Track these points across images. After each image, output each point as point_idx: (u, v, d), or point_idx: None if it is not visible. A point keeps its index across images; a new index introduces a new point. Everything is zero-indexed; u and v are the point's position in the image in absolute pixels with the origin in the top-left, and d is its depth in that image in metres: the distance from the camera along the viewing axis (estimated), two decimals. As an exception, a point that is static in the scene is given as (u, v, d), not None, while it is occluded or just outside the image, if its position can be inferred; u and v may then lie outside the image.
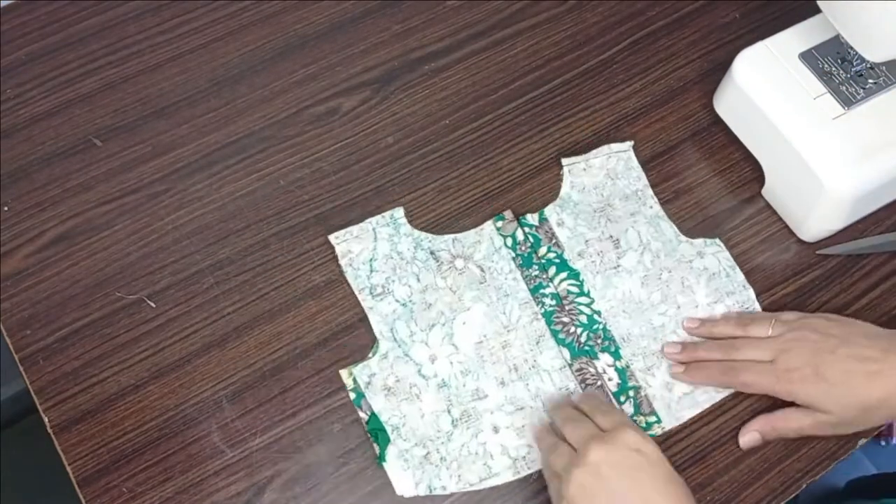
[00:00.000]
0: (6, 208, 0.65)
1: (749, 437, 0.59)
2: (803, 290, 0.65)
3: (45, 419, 0.58)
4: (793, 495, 0.59)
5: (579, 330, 0.62)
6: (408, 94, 0.71)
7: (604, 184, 0.67)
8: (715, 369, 0.59)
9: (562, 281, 0.63)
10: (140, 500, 0.56)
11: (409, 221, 0.65)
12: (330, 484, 0.58)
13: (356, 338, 0.62)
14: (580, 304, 0.63)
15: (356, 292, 0.62)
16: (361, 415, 0.59)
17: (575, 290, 0.63)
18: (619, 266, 0.64)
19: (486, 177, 0.68)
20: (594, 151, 0.68)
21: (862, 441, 0.61)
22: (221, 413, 0.59)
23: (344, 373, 0.60)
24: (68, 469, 0.57)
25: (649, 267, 0.64)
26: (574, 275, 0.64)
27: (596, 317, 0.63)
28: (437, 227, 0.66)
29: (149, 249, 0.64)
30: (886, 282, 0.66)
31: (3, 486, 0.98)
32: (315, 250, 0.65)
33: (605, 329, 0.62)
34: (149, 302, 0.62)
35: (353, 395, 0.60)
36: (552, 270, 0.64)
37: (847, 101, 0.63)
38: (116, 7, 0.73)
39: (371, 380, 0.60)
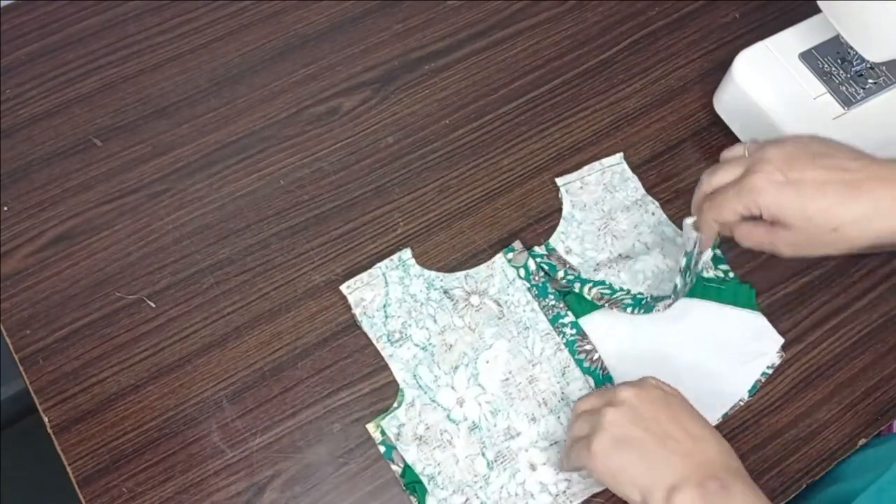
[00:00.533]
0: (6, 208, 0.65)
1: (738, 236, 0.54)
2: (803, 290, 0.65)
3: (45, 419, 0.58)
4: (793, 495, 0.59)
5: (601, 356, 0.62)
6: (408, 94, 0.71)
7: (603, 198, 0.67)
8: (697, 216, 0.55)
9: (591, 288, 0.63)
10: (140, 500, 0.56)
11: (409, 222, 0.66)
12: (330, 484, 0.58)
13: (356, 338, 0.62)
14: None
15: (374, 341, 0.61)
16: (394, 468, 0.58)
17: (607, 291, 0.63)
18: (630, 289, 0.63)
19: (486, 177, 0.68)
20: (587, 168, 0.68)
21: (862, 441, 0.61)
22: (221, 413, 0.59)
23: (371, 426, 0.59)
24: (68, 469, 0.57)
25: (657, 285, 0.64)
26: (599, 282, 0.63)
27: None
28: (437, 226, 0.66)
29: (149, 249, 0.64)
30: (886, 282, 0.66)
31: (3, 486, 0.98)
32: (315, 250, 0.65)
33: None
34: (149, 302, 0.62)
35: (382, 449, 0.58)
36: (577, 286, 0.63)
37: (847, 101, 0.63)
38: (116, 7, 0.73)
39: (400, 430, 0.59)
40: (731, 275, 0.64)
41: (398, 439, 0.58)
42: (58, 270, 0.63)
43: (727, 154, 0.56)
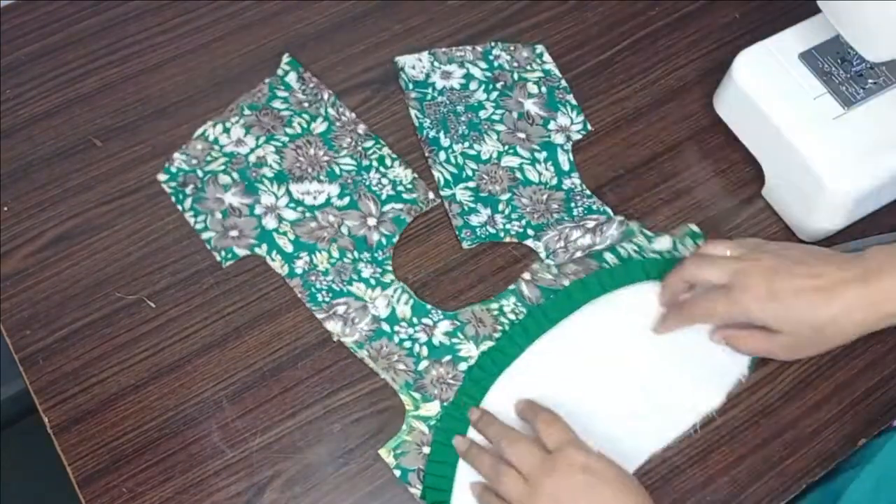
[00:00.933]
0: (6, 208, 0.65)
1: (715, 337, 0.59)
2: (803, 290, 0.65)
3: (45, 419, 0.58)
4: (793, 495, 0.59)
5: None
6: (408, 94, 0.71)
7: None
8: (678, 309, 0.59)
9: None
10: (140, 500, 0.56)
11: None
12: (330, 484, 0.58)
13: (356, 338, 0.62)
14: None
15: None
16: (413, 491, 0.57)
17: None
18: None
19: (486, 177, 0.68)
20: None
21: (862, 441, 0.61)
22: (221, 413, 0.59)
23: (383, 451, 0.58)
24: (68, 469, 0.57)
25: None
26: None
27: None
28: (437, 226, 0.66)
29: (149, 249, 0.64)
30: (886, 282, 0.66)
31: (3, 486, 0.98)
32: (315, 250, 0.65)
33: None
34: (149, 302, 0.62)
35: (398, 472, 0.57)
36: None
37: (847, 101, 0.63)
38: (116, 7, 0.73)
39: (410, 449, 0.58)
40: None
41: (407, 458, 0.58)
42: (58, 270, 0.63)
43: (712, 250, 0.59)
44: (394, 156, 0.66)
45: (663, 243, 0.65)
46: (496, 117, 0.70)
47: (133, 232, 0.65)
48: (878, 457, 0.56)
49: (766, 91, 0.64)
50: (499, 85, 0.71)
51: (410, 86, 0.71)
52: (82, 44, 0.72)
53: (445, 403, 0.59)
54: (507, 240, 0.65)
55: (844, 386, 0.62)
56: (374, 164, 0.66)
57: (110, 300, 0.62)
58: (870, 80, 0.64)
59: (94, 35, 0.72)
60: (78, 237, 0.64)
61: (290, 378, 0.60)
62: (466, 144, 0.68)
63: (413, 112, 0.69)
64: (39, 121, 0.68)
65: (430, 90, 0.71)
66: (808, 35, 0.66)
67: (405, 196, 0.65)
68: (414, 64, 0.71)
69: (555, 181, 0.67)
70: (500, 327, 0.61)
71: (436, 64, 0.71)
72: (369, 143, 0.67)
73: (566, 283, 0.63)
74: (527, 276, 0.63)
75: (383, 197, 0.65)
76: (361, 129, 0.67)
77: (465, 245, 0.65)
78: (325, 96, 0.68)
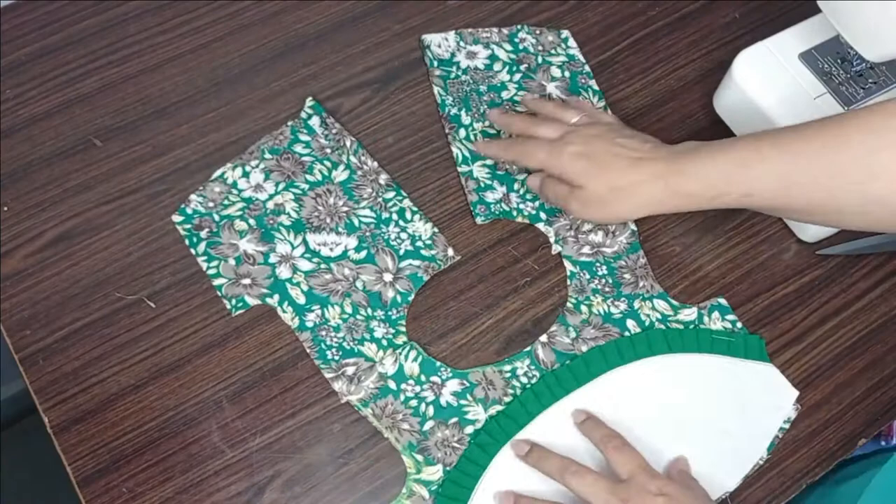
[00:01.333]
0: (6, 208, 0.65)
1: (529, 183, 0.64)
2: (803, 290, 0.65)
3: (45, 419, 0.58)
4: (793, 495, 0.59)
5: None
6: (408, 94, 0.71)
7: None
8: (504, 143, 0.65)
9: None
10: (140, 500, 0.56)
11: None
12: (330, 484, 0.58)
13: (356, 338, 0.62)
14: None
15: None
16: None
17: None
18: None
19: (486, 177, 0.68)
20: None
21: (862, 441, 0.61)
22: (221, 413, 0.59)
23: None
24: (68, 469, 0.57)
25: None
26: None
27: None
28: (437, 226, 0.66)
29: (149, 249, 0.64)
30: (886, 282, 0.66)
31: (3, 486, 0.98)
32: (315, 250, 0.65)
33: None
34: (149, 302, 0.62)
35: None
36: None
37: (847, 101, 0.63)
38: (116, 7, 0.73)
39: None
40: (740, 325, 0.63)
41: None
42: (58, 270, 0.63)
43: (561, 112, 0.65)
44: (414, 209, 0.65)
45: (688, 314, 0.63)
46: (518, 98, 0.70)
47: (133, 232, 0.65)
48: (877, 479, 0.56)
49: (766, 91, 0.64)
50: (522, 67, 0.72)
51: (435, 63, 0.71)
52: (82, 44, 0.72)
53: (448, 468, 0.58)
54: (520, 220, 0.65)
55: (844, 386, 0.62)
56: (394, 217, 0.65)
57: (110, 300, 0.62)
58: (870, 80, 0.64)
59: (94, 35, 0.72)
60: (78, 237, 0.64)
61: (290, 378, 0.60)
62: (487, 123, 0.69)
63: (436, 89, 0.70)
64: (39, 121, 0.68)
65: (454, 69, 0.71)
66: (808, 35, 0.66)
67: (423, 253, 0.64)
68: (440, 42, 0.72)
69: None
70: (511, 391, 0.60)
71: (461, 44, 0.72)
72: (390, 195, 0.66)
73: (584, 348, 0.61)
74: (544, 338, 0.62)
75: (401, 252, 0.64)
76: (383, 178, 0.66)
77: (478, 221, 0.65)
78: (348, 143, 0.67)
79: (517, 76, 0.71)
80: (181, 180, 0.66)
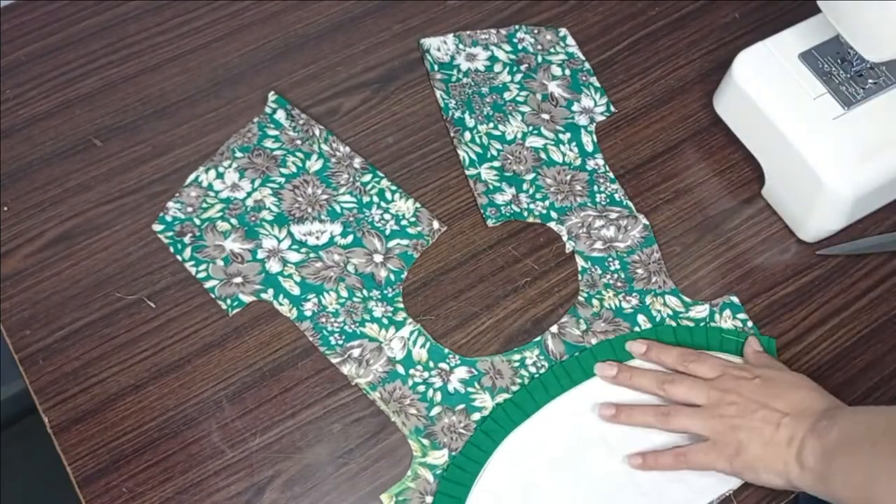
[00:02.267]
0: (6, 208, 0.65)
1: (661, 462, 0.58)
2: (803, 290, 0.65)
3: (45, 419, 0.58)
4: (792, 496, 0.59)
5: None
6: (408, 94, 0.71)
7: None
8: (650, 412, 0.58)
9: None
10: (140, 500, 0.56)
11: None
12: (330, 484, 0.58)
13: (356, 338, 0.62)
14: None
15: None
16: None
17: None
18: None
19: (486, 177, 0.68)
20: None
21: (862, 441, 0.61)
22: (221, 413, 0.59)
23: (385, 497, 0.57)
24: (68, 469, 0.57)
25: None
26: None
27: None
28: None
29: (149, 249, 0.64)
30: (886, 282, 0.66)
31: (3, 486, 0.98)
32: (315, 250, 0.65)
33: None
34: (149, 302, 0.62)
35: None
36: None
37: (847, 101, 0.63)
38: (116, 7, 0.73)
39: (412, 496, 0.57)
40: (750, 324, 0.63)
41: None
42: (58, 270, 0.63)
43: (694, 367, 0.58)
44: (393, 187, 0.66)
45: (700, 311, 0.63)
46: (520, 99, 0.70)
47: (133, 232, 0.65)
48: None
49: (766, 91, 0.64)
50: (523, 67, 0.72)
51: (436, 67, 0.71)
52: (82, 44, 0.72)
53: (454, 453, 0.58)
54: (531, 220, 0.65)
55: (844, 386, 0.62)
56: (375, 199, 0.65)
57: (110, 300, 0.62)
58: (870, 80, 0.64)
59: (94, 35, 0.72)
60: (78, 237, 0.64)
61: (290, 378, 0.60)
62: (491, 125, 0.69)
63: (438, 93, 0.70)
64: (39, 121, 0.68)
65: (455, 72, 0.71)
66: (808, 35, 0.66)
67: (409, 231, 0.65)
68: (439, 46, 0.72)
69: (578, 162, 0.68)
70: (518, 380, 0.60)
71: (461, 46, 0.72)
72: (367, 178, 0.66)
73: (594, 341, 0.62)
74: (554, 328, 0.62)
75: (387, 232, 0.64)
76: (357, 162, 0.66)
77: (489, 223, 0.65)
78: (317, 132, 0.67)
79: (518, 76, 0.71)
80: (181, 180, 0.66)
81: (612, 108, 0.71)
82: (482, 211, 0.66)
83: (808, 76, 0.64)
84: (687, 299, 0.64)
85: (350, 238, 0.64)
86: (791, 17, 0.69)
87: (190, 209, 0.65)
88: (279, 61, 0.72)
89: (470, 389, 0.60)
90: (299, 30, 0.73)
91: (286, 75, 0.71)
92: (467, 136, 0.68)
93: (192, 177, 0.66)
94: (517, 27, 0.73)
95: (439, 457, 0.58)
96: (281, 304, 0.62)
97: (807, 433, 0.52)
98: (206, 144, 0.68)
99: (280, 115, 0.68)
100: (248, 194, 0.65)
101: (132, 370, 0.60)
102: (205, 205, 0.65)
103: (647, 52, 0.74)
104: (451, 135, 0.68)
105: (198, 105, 0.70)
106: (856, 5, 0.57)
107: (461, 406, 0.59)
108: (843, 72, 0.64)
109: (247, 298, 0.62)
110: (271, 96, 0.69)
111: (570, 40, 0.73)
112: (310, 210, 0.65)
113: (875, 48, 0.58)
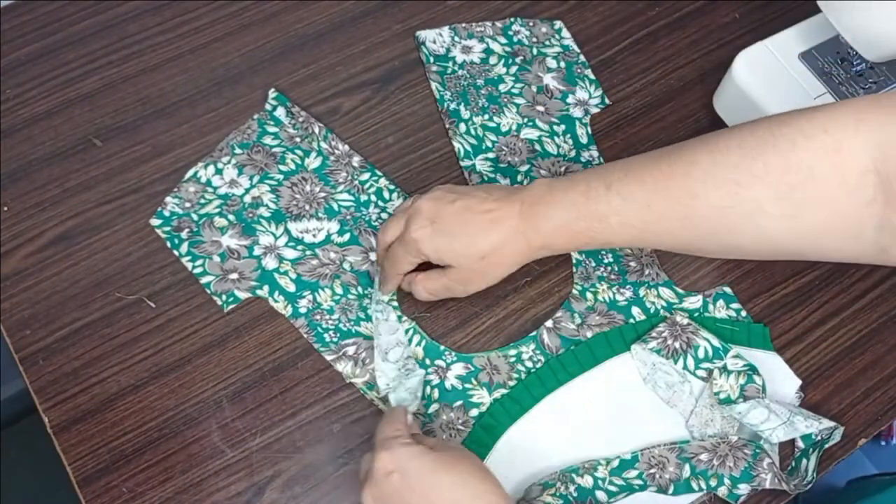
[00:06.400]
0: (6, 208, 0.65)
1: (416, 291, 0.60)
2: (803, 290, 0.65)
3: (45, 419, 0.58)
4: (792, 496, 0.59)
5: None
6: (408, 94, 0.71)
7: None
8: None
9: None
10: (140, 500, 0.56)
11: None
12: (330, 484, 0.58)
13: (356, 338, 0.62)
14: None
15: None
16: None
17: None
18: None
19: (486, 177, 0.68)
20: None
21: (862, 441, 0.61)
22: (221, 413, 0.59)
23: None
24: (68, 469, 0.57)
25: None
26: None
27: None
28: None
29: (149, 249, 0.64)
30: (886, 282, 0.66)
31: (3, 486, 0.98)
32: (315, 250, 0.65)
33: None
34: (149, 302, 0.62)
35: None
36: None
37: (847, 101, 0.63)
38: (116, 7, 0.73)
39: None
40: (744, 314, 0.63)
41: None
42: (58, 270, 0.63)
43: (396, 208, 0.61)
44: (391, 187, 0.66)
45: (693, 302, 0.63)
46: (515, 91, 0.71)
47: (133, 232, 0.65)
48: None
49: (766, 91, 0.64)
50: (518, 59, 0.72)
51: (431, 59, 0.71)
52: (82, 44, 0.72)
53: None
54: None
55: (844, 386, 0.62)
56: (373, 197, 0.65)
57: (110, 300, 0.62)
58: (870, 80, 0.64)
59: (94, 35, 0.72)
60: (78, 237, 0.64)
61: (290, 378, 0.60)
62: (486, 117, 0.69)
63: (434, 85, 0.70)
64: (39, 121, 0.68)
65: (450, 64, 0.71)
66: (808, 35, 0.66)
67: None
68: (434, 38, 0.72)
69: (573, 153, 0.68)
70: (515, 375, 0.60)
71: (456, 38, 0.72)
72: (365, 176, 0.66)
73: (589, 334, 0.62)
74: (549, 323, 0.62)
75: None
76: (356, 161, 0.66)
77: None
78: (317, 130, 0.67)
79: (513, 69, 0.72)
80: (181, 180, 0.66)
81: (607, 101, 0.71)
82: None
83: (808, 76, 0.64)
84: (680, 290, 0.64)
85: (347, 236, 0.64)
86: (791, 17, 0.69)
87: (188, 204, 0.65)
88: (279, 61, 0.72)
89: (467, 386, 0.60)
90: (299, 30, 0.73)
91: (286, 75, 0.71)
92: (462, 127, 0.69)
93: (190, 172, 0.66)
94: (512, 20, 0.74)
95: None
96: (276, 301, 0.62)
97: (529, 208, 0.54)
98: (206, 144, 0.68)
99: (280, 113, 0.68)
100: (246, 191, 0.65)
101: (132, 370, 0.60)
102: (202, 200, 0.65)
103: (647, 52, 0.74)
104: (447, 126, 0.69)
105: (198, 105, 0.70)
106: (856, 5, 0.57)
107: (459, 402, 0.59)
108: (843, 72, 0.64)
109: (242, 294, 0.62)
110: (272, 93, 0.69)
111: (566, 33, 0.73)
112: (307, 207, 0.65)
113: (875, 48, 0.58)
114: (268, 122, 0.68)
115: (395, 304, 0.62)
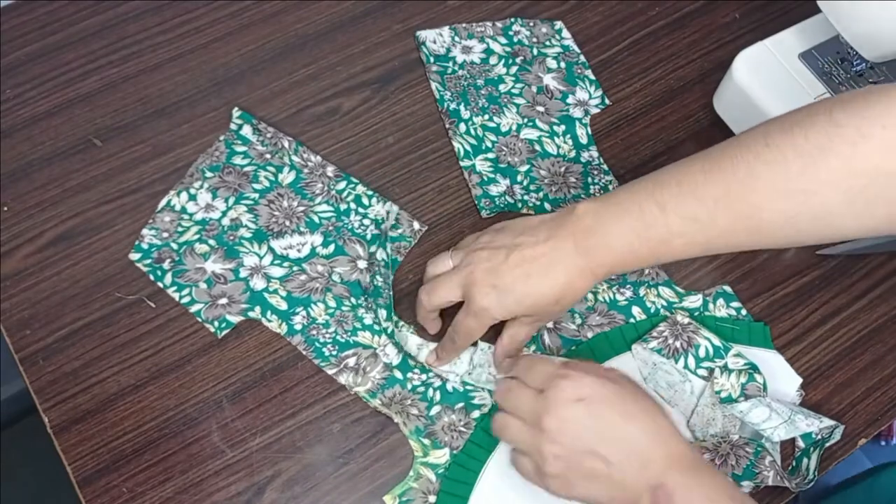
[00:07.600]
0: (6, 208, 0.65)
1: (505, 365, 0.59)
2: (803, 290, 0.65)
3: (45, 419, 0.58)
4: (792, 496, 0.59)
5: None
6: (408, 94, 0.71)
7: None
8: (444, 342, 0.59)
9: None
10: (140, 500, 0.56)
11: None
12: (330, 484, 0.58)
13: (356, 338, 0.62)
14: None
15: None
16: None
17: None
18: None
19: (486, 177, 0.68)
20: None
21: (862, 441, 0.61)
22: (221, 413, 0.59)
23: (388, 498, 0.57)
24: (68, 469, 0.57)
25: None
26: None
27: None
28: (437, 226, 0.66)
29: (149, 249, 0.64)
30: (886, 282, 0.66)
31: (3, 486, 0.98)
32: (315, 250, 0.65)
33: None
34: (149, 302, 0.62)
35: None
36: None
37: (847, 101, 0.63)
38: (116, 7, 0.73)
39: (416, 496, 0.57)
40: (744, 312, 0.63)
41: None
42: (58, 270, 0.63)
43: (435, 270, 0.59)
44: (370, 192, 0.65)
45: (693, 301, 0.63)
46: (515, 91, 0.71)
47: (133, 232, 0.65)
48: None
49: (766, 91, 0.64)
50: (518, 59, 0.72)
51: (431, 59, 0.71)
52: (82, 44, 0.72)
53: (455, 452, 0.58)
54: (525, 211, 0.65)
55: (844, 386, 0.62)
56: (352, 205, 0.65)
57: (110, 300, 0.62)
58: (870, 80, 0.64)
59: (94, 35, 0.72)
60: (78, 237, 0.64)
61: (290, 378, 0.60)
62: (486, 117, 0.69)
63: (434, 85, 0.70)
64: (39, 121, 0.68)
65: (450, 64, 0.72)
66: (808, 35, 0.66)
67: (391, 234, 0.64)
68: (435, 38, 0.72)
69: (573, 154, 0.68)
70: None
71: (456, 38, 0.72)
72: (342, 185, 0.65)
73: (590, 335, 0.62)
74: (550, 323, 0.62)
75: (368, 237, 0.64)
76: (330, 170, 0.66)
77: (483, 214, 0.66)
78: (286, 144, 0.66)
79: (513, 69, 0.72)
80: (181, 180, 0.66)
81: (607, 101, 0.71)
82: (476, 202, 0.66)
83: (808, 76, 0.64)
84: (680, 290, 0.64)
85: (332, 248, 0.63)
86: (791, 17, 0.69)
87: (165, 234, 0.64)
88: (279, 61, 0.72)
89: (468, 387, 0.60)
90: (299, 30, 0.73)
91: (286, 75, 0.71)
92: (462, 127, 0.69)
93: (163, 202, 0.65)
94: (513, 20, 0.74)
95: (441, 456, 0.58)
96: (269, 321, 0.61)
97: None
98: (206, 144, 0.68)
99: (246, 131, 0.67)
100: (224, 213, 0.64)
101: (132, 370, 0.60)
102: (180, 228, 0.64)
103: (647, 52, 0.74)
104: (447, 126, 0.69)
105: (198, 105, 0.70)
106: (856, 5, 0.57)
107: (460, 404, 0.59)
108: (843, 72, 0.64)
109: (234, 319, 0.61)
110: (235, 112, 0.68)
111: (566, 33, 0.73)
112: (288, 223, 0.64)
113: (875, 48, 0.58)
114: (235, 142, 0.67)
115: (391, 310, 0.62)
